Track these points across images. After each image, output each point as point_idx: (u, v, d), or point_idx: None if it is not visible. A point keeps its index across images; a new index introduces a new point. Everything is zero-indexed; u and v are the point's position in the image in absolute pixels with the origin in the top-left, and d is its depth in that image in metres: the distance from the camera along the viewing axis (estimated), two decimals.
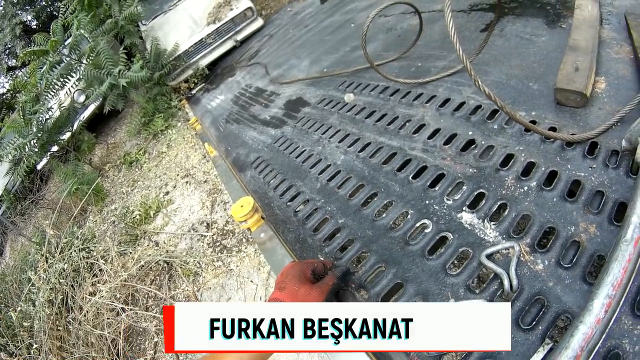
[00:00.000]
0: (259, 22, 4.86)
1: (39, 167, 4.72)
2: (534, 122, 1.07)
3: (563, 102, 1.11)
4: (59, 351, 2.33)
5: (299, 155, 1.60)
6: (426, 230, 0.95)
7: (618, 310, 0.63)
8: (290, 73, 2.63)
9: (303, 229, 1.18)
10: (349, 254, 1.02)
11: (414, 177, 1.12)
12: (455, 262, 0.88)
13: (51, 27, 4.29)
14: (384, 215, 1.06)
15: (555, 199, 0.87)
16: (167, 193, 3.21)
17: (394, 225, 1.03)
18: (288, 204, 1.33)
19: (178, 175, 3.29)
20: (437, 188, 1.04)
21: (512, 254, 0.81)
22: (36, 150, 4.16)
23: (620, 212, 0.76)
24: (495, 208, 0.92)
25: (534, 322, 0.69)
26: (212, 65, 4.70)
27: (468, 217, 0.93)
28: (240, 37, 4.76)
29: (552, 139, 1.01)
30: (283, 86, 2.48)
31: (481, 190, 0.97)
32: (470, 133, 1.15)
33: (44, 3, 7.40)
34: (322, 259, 1.04)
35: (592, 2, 1.65)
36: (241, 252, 2.24)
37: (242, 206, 1.21)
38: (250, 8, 4.75)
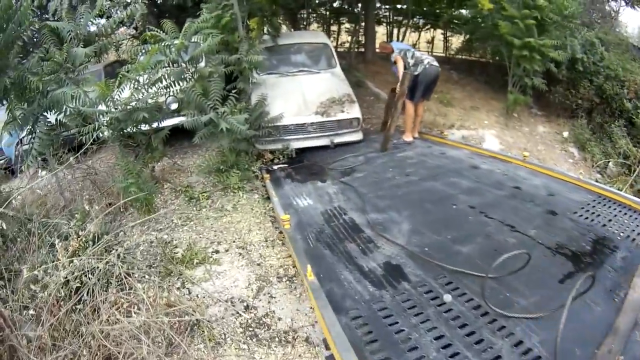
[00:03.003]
0: (359, 135, 5.02)
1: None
2: None
3: None
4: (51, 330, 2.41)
5: (397, 332, 1.83)
6: None
7: None
8: (389, 227, 2.85)
9: None
10: None
11: None
12: None
13: (184, 28, 4.04)
14: None
15: None
16: (217, 252, 3.19)
17: None
18: None
19: (234, 242, 3.29)
20: None
21: None
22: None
23: None
24: None
25: None
26: (299, 150, 4.72)
27: None
28: (337, 140, 4.85)
29: None
30: (382, 239, 2.69)
31: None
32: None
33: None
34: None
35: None
36: (270, 348, 2.34)
37: None
38: (357, 119, 4.89)
